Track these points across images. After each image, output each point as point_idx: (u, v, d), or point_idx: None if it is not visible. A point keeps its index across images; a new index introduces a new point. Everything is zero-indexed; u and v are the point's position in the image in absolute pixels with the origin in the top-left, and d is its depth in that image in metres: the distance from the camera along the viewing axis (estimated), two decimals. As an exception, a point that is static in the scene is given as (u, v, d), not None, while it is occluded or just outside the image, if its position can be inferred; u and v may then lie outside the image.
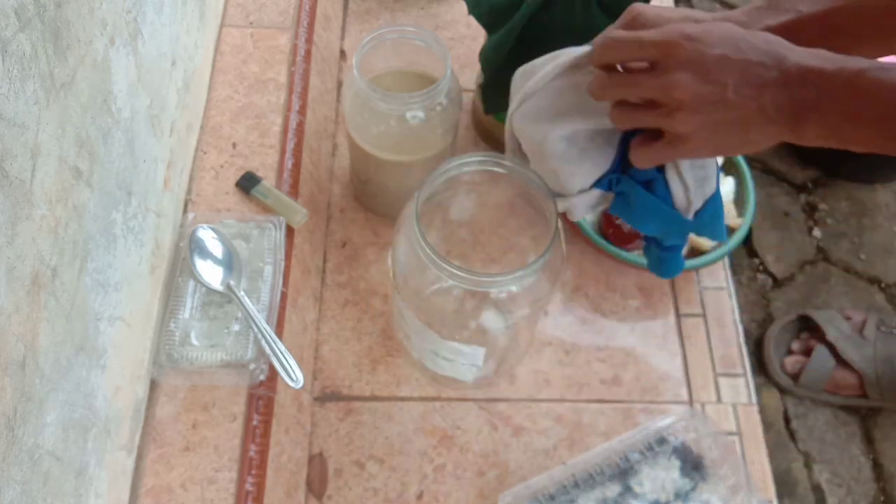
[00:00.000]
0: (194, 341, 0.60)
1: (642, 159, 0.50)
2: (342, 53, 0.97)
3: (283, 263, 0.66)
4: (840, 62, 0.43)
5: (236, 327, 0.61)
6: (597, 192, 0.53)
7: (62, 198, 0.43)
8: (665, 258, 0.58)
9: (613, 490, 0.69)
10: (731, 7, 1.20)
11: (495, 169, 0.58)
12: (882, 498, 0.80)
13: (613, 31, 0.49)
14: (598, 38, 0.49)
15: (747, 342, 0.83)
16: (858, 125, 0.45)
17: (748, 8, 0.52)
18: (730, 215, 0.81)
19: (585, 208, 0.54)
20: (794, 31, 0.49)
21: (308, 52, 0.81)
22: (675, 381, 0.78)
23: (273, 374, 0.62)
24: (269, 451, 0.60)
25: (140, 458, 0.57)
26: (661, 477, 0.70)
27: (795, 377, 0.85)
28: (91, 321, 0.47)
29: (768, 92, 0.44)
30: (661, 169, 0.51)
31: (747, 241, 0.96)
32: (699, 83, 0.44)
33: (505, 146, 0.57)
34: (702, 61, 0.44)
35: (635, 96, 0.47)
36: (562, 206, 0.55)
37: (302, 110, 0.77)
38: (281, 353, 0.59)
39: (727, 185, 0.83)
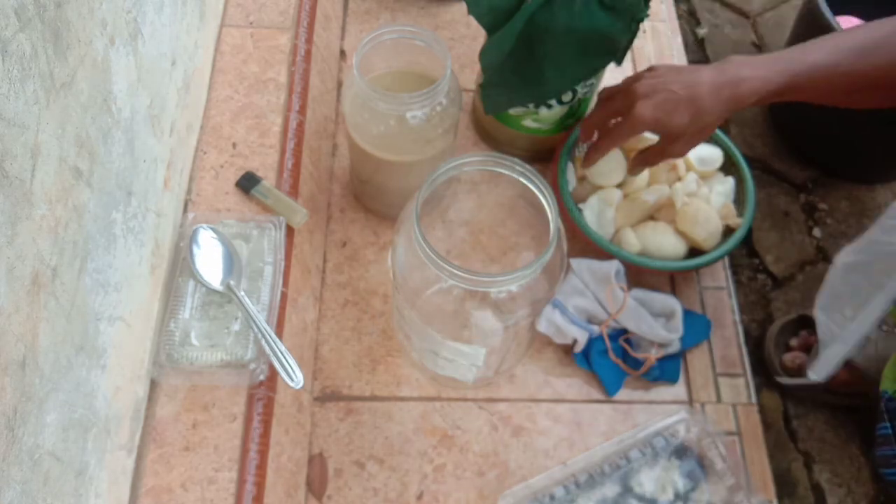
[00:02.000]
0: (194, 341, 0.60)
1: (607, 141, 0.72)
2: (342, 53, 0.97)
3: (283, 263, 0.66)
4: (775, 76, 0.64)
5: (236, 327, 0.61)
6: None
7: (62, 198, 0.43)
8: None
9: (613, 490, 0.69)
10: (733, 7, 1.20)
11: (495, 169, 0.58)
12: (882, 498, 0.80)
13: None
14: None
15: (747, 342, 0.83)
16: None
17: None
18: (730, 215, 0.81)
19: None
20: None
21: (308, 52, 0.81)
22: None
23: (273, 374, 0.62)
24: (269, 451, 0.60)
25: (140, 458, 0.57)
26: (661, 477, 0.70)
27: (795, 375, 0.84)
28: (91, 321, 0.47)
29: (707, 84, 0.65)
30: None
31: (747, 241, 0.96)
32: (652, 88, 0.67)
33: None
34: (653, 83, 0.67)
35: (610, 114, 0.73)
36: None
37: (302, 110, 0.77)
38: (281, 353, 0.59)
39: (727, 185, 0.83)
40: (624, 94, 0.69)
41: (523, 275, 0.54)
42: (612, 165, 0.80)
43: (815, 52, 0.63)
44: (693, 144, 0.70)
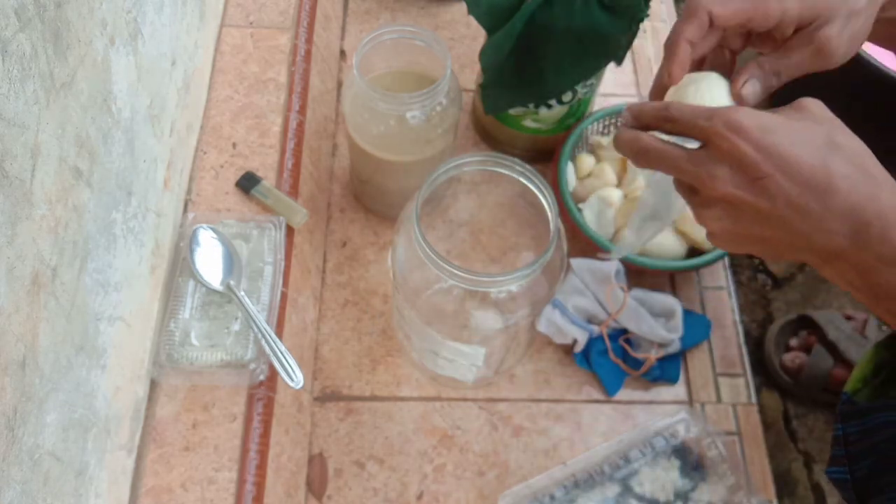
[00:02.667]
0: (194, 341, 0.60)
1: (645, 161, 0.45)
2: (342, 53, 0.97)
3: (283, 263, 0.66)
4: None
5: (236, 327, 0.61)
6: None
7: (62, 198, 0.43)
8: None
9: (613, 490, 0.69)
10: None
11: (495, 169, 0.58)
12: (882, 498, 0.80)
13: (644, 105, 0.43)
14: (632, 108, 0.44)
15: (747, 342, 0.83)
16: None
17: None
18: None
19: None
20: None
21: (308, 52, 0.81)
22: (675, 381, 0.78)
23: (273, 374, 0.62)
24: (269, 451, 0.60)
25: (140, 458, 0.57)
26: (661, 477, 0.70)
27: (795, 375, 0.84)
28: (91, 321, 0.47)
29: (835, 261, 0.39)
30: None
31: (747, 241, 0.96)
32: (741, 188, 0.38)
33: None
34: (747, 164, 0.37)
35: (670, 174, 0.43)
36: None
37: (302, 110, 0.77)
38: (281, 353, 0.59)
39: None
40: (692, 171, 0.40)
41: (523, 275, 0.54)
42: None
43: None
44: (854, 38, 0.46)
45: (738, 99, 0.44)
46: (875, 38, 0.51)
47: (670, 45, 0.45)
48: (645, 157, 0.42)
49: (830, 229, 0.37)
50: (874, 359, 0.63)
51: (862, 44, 0.46)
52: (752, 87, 0.44)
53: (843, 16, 0.43)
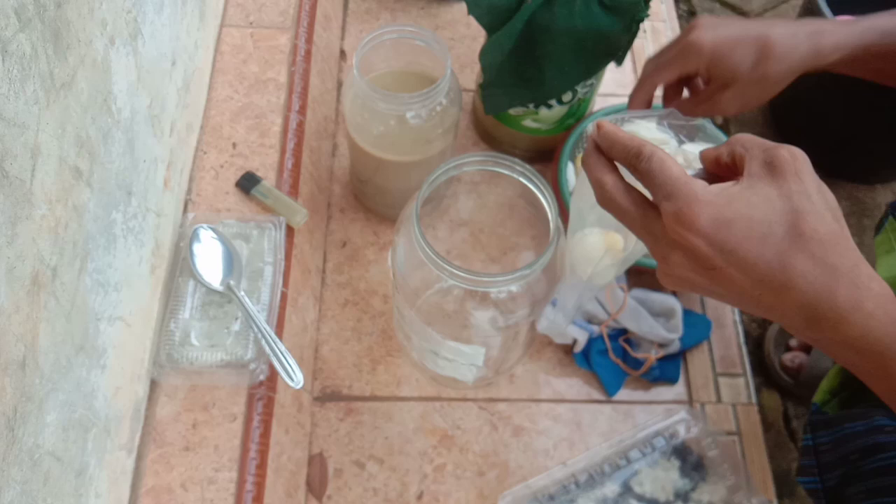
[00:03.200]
0: (194, 341, 0.60)
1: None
2: (342, 53, 0.97)
3: (283, 263, 0.66)
4: None
5: (236, 327, 0.61)
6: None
7: (62, 198, 0.43)
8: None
9: (613, 490, 0.69)
10: (735, 9, 1.20)
11: (495, 169, 0.58)
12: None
13: (617, 139, 0.41)
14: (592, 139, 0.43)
15: (747, 342, 0.83)
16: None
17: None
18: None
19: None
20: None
21: (308, 52, 0.81)
22: (675, 381, 0.78)
23: (273, 374, 0.62)
24: (269, 451, 0.60)
25: (140, 458, 0.57)
26: (661, 477, 0.70)
27: (795, 375, 0.84)
28: (91, 321, 0.47)
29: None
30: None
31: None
32: (695, 272, 0.37)
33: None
34: (699, 256, 0.36)
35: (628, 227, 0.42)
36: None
37: (302, 110, 0.77)
38: (281, 353, 0.59)
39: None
40: (646, 240, 0.41)
41: (523, 275, 0.54)
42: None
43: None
44: (745, 102, 0.56)
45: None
46: (851, 74, 0.57)
47: (639, 85, 0.61)
48: (605, 203, 0.41)
49: (784, 316, 0.37)
50: (840, 375, 0.64)
51: (764, 102, 0.56)
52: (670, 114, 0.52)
53: (741, 82, 0.54)
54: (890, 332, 0.34)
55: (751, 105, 0.56)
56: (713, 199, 0.35)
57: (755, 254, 0.35)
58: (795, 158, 0.36)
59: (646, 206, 0.39)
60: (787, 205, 0.35)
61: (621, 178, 0.40)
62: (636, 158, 0.38)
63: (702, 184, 0.36)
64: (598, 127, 0.41)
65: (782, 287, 0.35)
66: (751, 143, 0.37)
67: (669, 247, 0.37)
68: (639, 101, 0.62)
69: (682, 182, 0.36)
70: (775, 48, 0.52)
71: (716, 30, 0.54)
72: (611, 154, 0.41)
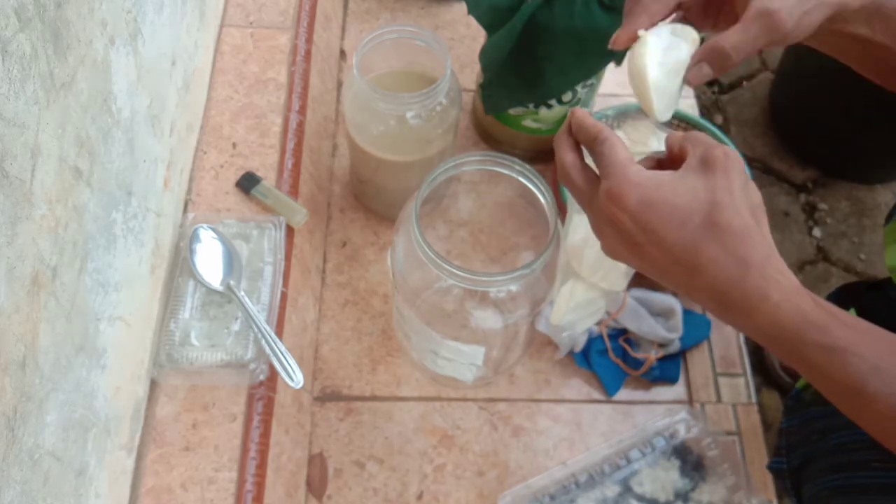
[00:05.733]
0: (194, 341, 0.60)
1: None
2: (342, 53, 0.97)
3: (283, 263, 0.66)
4: (814, 321, 0.37)
5: (236, 327, 0.61)
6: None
7: (62, 198, 0.43)
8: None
9: (613, 490, 0.69)
10: None
11: (494, 168, 0.58)
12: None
13: (585, 122, 0.43)
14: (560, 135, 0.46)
15: (747, 342, 0.83)
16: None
17: None
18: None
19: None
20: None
21: (308, 52, 0.81)
22: (675, 381, 0.78)
23: (273, 374, 0.62)
24: (269, 451, 0.60)
25: (140, 458, 0.57)
26: (661, 477, 0.70)
27: (795, 375, 0.84)
28: (91, 321, 0.47)
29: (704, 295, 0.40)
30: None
31: (747, 241, 0.96)
32: (623, 245, 0.41)
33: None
34: (624, 231, 0.40)
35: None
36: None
37: (302, 110, 0.77)
38: (281, 353, 0.59)
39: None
40: (586, 209, 0.45)
41: (522, 274, 0.54)
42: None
43: None
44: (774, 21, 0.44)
45: (688, 82, 0.46)
46: (850, 59, 0.52)
47: (630, 9, 0.48)
48: (562, 178, 0.45)
49: (700, 298, 0.40)
50: None
51: (813, 27, 0.46)
52: (698, 72, 0.46)
53: None
54: (796, 321, 0.37)
55: (811, 23, 0.45)
56: (642, 182, 0.39)
57: (673, 236, 0.38)
58: (728, 157, 0.39)
59: (594, 182, 0.42)
60: (708, 197, 0.38)
61: (581, 157, 0.44)
62: (593, 141, 0.42)
63: (637, 168, 0.40)
64: (572, 113, 0.45)
65: (695, 269, 0.38)
66: (697, 141, 0.41)
67: (603, 221, 0.41)
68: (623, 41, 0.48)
69: (621, 165, 0.40)
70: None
71: None
72: (577, 137, 0.44)
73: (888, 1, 0.47)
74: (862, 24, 0.48)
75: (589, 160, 0.44)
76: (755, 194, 0.40)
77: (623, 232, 0.40)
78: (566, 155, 0.44)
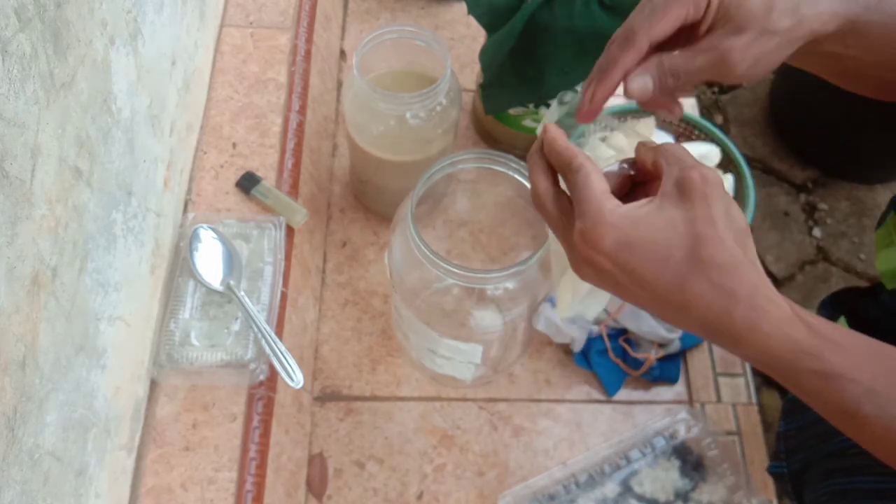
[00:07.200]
0: (194, 341, 0.60)
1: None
2: (342, 53, 0.97)
3: (283, 263, 0.66)
4: (807, 351, 0.36)
5: (236, 327, 0.61)
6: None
7: (62, 198, 0.43)
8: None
9: (613, 490, 0.69)
10: None
11: (490, 166, 0.58)
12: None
13: (557, 144, 0.41)
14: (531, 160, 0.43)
15: (747, 342, 0.82)
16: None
17: None
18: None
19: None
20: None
21: (308, 52, 0.81)
22: (675, 380, 0.78)
23: (273, 374, 0.62)
24: (269, 451, 0.60)
25: (140, 458, 0.57)
26: (661, 477, 0.70)
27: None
28: (91, 321, 0.47)
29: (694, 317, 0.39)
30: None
31: (747, 241, 0.96)
32: (603, 283, 0.40)
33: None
34: (603, 272, 0.38)
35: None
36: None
37: (302, 110, 0.77)
38: (281, 353, 0.59)
39: (726, 183, 0.83)
40: (564, 244, 0.42)
41: (519, 270, 0.53)
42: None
43: None
44: (760, 55, 0.43)
45: (627, 94, 0.44)
46: (824, 73, 0.50)
47: (603, 71, 0.46)
48: (535, 205, 0.42)
49: (688, 329, 0.39)
50: None
51: (772, 68, 0.44)
52: (640, 83, 0.44)
53: (755, 30, 0.42)
54: (788, 350, 0.36)
55: (768, 65, 0.44)
56: (618, 222, 0.37)
57: (654, 275, 0.36)
58: (706, 182, 0.37)
59: (569, 214, 0.40)
60: (689, 229, 0.36)
61: (555, 182, 0.42)
62: (566, 169, 0.40)
63: (612, 205, 0.37)
64: (545, 129, 0.42)
65: (681, 307, 0.37)
66: (673, 158, 0.38)
67: (580, 260, 0.39)
68: (613, 78, 0.47)
69: (596, 202, 0.37)
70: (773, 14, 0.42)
71: None
72: (549, 159, 0.42)
73: (862, 16, 0.45)
74: (836, 44, 0.47)
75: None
76: (739, 218, 0.38)
77: (602, 272, 0.38)
78: (539, 180, 0.42)
